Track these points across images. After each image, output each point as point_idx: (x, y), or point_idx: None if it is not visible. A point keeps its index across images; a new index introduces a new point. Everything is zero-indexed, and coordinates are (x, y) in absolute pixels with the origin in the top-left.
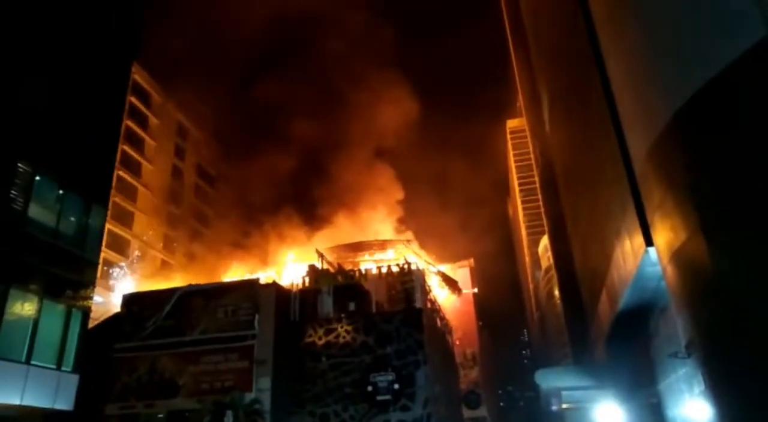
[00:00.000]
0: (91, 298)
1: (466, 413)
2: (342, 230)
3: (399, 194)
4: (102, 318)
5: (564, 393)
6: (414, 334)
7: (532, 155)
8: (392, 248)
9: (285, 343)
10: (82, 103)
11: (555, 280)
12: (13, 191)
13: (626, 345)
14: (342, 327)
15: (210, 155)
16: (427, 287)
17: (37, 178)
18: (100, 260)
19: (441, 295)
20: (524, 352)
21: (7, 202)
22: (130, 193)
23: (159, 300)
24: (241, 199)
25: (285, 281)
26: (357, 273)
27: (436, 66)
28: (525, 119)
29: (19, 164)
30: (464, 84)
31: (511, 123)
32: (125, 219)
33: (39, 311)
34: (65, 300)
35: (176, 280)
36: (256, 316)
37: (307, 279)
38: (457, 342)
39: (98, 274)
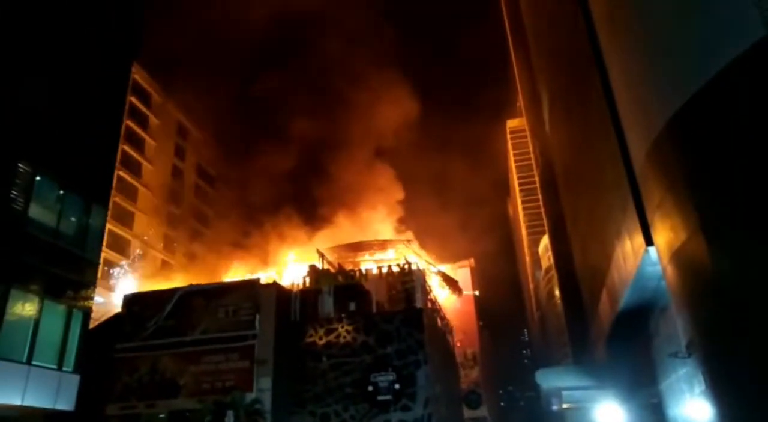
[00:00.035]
0: (91, 298)
1: (467, 413)
2: (342, 230)
3: (399, 194)
4: (103, 318)
5: (564, 392)
6: (414, 334)
7: (532, 155)
8: (393, 248)
9: (286, 343)
10: (82, 103)
11: (555, 280)
12: (13, 191)
13: (627, 345)
14: (342, 327)
15: (210, 154)
16: (428, 287)
17: (38, 178)
18: (101, 261)
19: (441, 295)
20: (525, 352)
21: (7, 202)
22: (131, 193)
23: (160, 300)
24: (242, 199)
25: (285, 281)
26: (357, 273)
27: (436, 66)
28: (525, 119)
29: (20, 164)
30: (464, 84)
31: (511, 123)
32: (126, 219)
33: (40, 311)
34: (66, 300)
35: (177, 280)
36: (257, 316)
37: (307, 279)
38: (458, 345)
39: (99, 274)
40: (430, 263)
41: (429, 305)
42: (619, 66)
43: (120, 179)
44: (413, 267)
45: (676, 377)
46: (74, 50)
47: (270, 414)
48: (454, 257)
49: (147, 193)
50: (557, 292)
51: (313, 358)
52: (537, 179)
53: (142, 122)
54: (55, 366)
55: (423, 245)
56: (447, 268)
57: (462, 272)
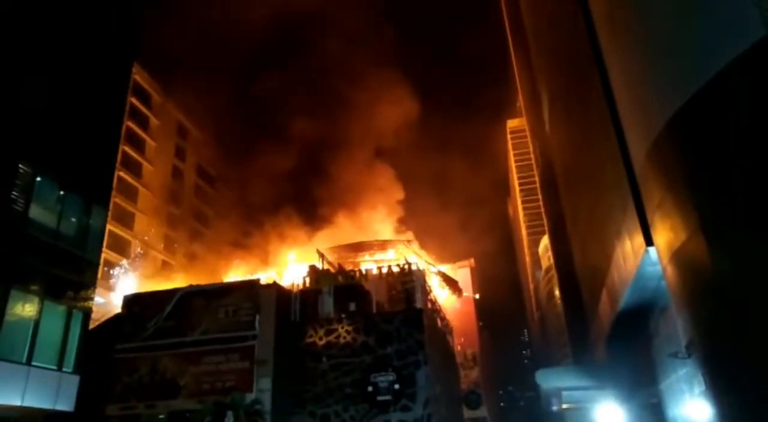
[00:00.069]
0: (91, 299)
1: (467, 413)
2: (342, 230)
3: (399, 194)
4: (103, 319)
5: (564, 393)
6: (414, 334)
7: (532, 155)
8: (393, 248)
9: (286, 343)
10: (83, 103)
11: (555, 280)
12: (14, 192)
13: (626, 345)
14: (342, 328)
15: (210, 155)
16: (428, 288)
17: (38, 179)
18: (101, 261)
19: (441, 295)
20: (524, 352)
21: (8, 203)
22: (131, 193)
23: (160, 301)
24: (242, 199)
25: (286, 282)
26: (357, 273)
27: (436, 66)
28: (525, 119)
29: (20, 165)
30: (464, 84)
31: (511, 123)
32: (126, 220)
33: (40, 312)
34: (66, 301)
35: (177, 280)
36: (257, 316)
37: (307, 279)
38: (459, 347)
39: (99, 275)
40: (430, 264)
41: (429, 305)
42: (619, 66)
43: (120, 179)
44: (413, 267)
45: (676, 377)
46: (74, 50)
47: (270, 415)
48: (454, 258)
49: (147, 193)
50: (557, 292)
51: (313, 358)
52: (537, 179)
53: (143, 122)
54: (55, 367)
55: (423, 246)
56: (447, 268)
57: (462, 273)
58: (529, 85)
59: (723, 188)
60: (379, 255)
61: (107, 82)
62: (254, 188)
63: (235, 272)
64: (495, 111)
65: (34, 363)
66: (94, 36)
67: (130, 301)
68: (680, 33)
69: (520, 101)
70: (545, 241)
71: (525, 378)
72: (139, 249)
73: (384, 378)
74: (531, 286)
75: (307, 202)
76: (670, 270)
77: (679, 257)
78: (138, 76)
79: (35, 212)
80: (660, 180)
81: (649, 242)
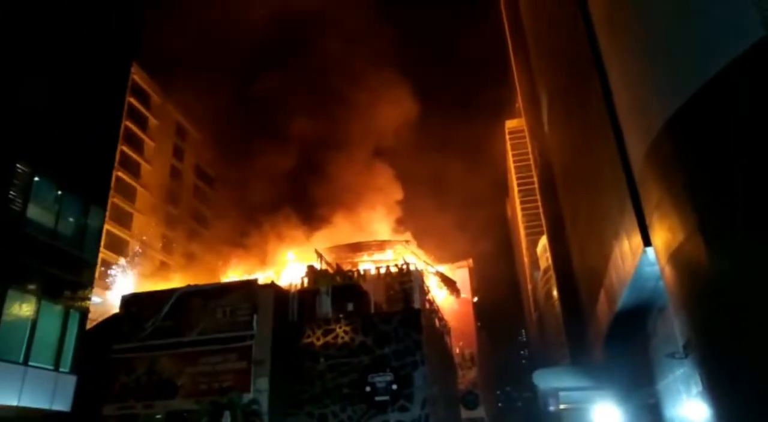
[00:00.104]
0: (89, 299)
1: (464, 413)
2: (341, 230)
3: (398, 195)
4: (100, 319)
5: (562, 393)
6: (412, 335)
7: (531, 156)
8: (391, 248)
9: (283, 344)
10: (82, 103)
11: (553, 280)
12: (12, 192)
13: (624, 346)
14: (340, 328)
15: (209, 155)
16: (426, 288)
17: (36, 178)
18: (99, 261)
19: (439, 296)
20: (522, 353)
21: (5, 202)
22: (129, 193)
23: (158, 301)
24: (240, 199)
25: (283, 282)
26: (356, 274)
27: (436, 66)
28: (524, 120)
29: (18, 165)
30: (464, 84)
31: (510, 124)
32: (124, 220)
33: (37, 312)
34: (63, 301)
35: (175, 280)
36: (255, 316)
37: (305, 280)
38: (457, 348)
39: (96, 275)
40: (428, 264)
41: (427, 305)
42: (618, 67)
43: (118, 179)
44: (411, 268)
45: (674, 377)
46: (74, 50)
47: (267, 415)
48: (452, 258)
49: (145, 193)
50: (555, 293)
51: (310, 359)
52: (536, 179)
53: (141, 122)
54: (52, 367)
55: (421, 246)
56: (445, 268)
57: (460, 273)
58: (528, 86)
59: (722, 188)
60: (377, 255)
61: (106, 82)
62: (253, 188)
63: (233, 273)
64: (494, 112)
65: (31, 363)
66: (94, 36)
67: (128, 301)
68: (680, 33)
69: (519, 102)
70: (543, 241)
71: (523, 379)
72: (137, 249)
73: (382, 379)
74: (529, 286)
75: (306, 202)
76: (668, 271)
77: (677, 257)
78: (137, 76)
79: (33, 211)
80: (658, 181)
81: (647, 242)
